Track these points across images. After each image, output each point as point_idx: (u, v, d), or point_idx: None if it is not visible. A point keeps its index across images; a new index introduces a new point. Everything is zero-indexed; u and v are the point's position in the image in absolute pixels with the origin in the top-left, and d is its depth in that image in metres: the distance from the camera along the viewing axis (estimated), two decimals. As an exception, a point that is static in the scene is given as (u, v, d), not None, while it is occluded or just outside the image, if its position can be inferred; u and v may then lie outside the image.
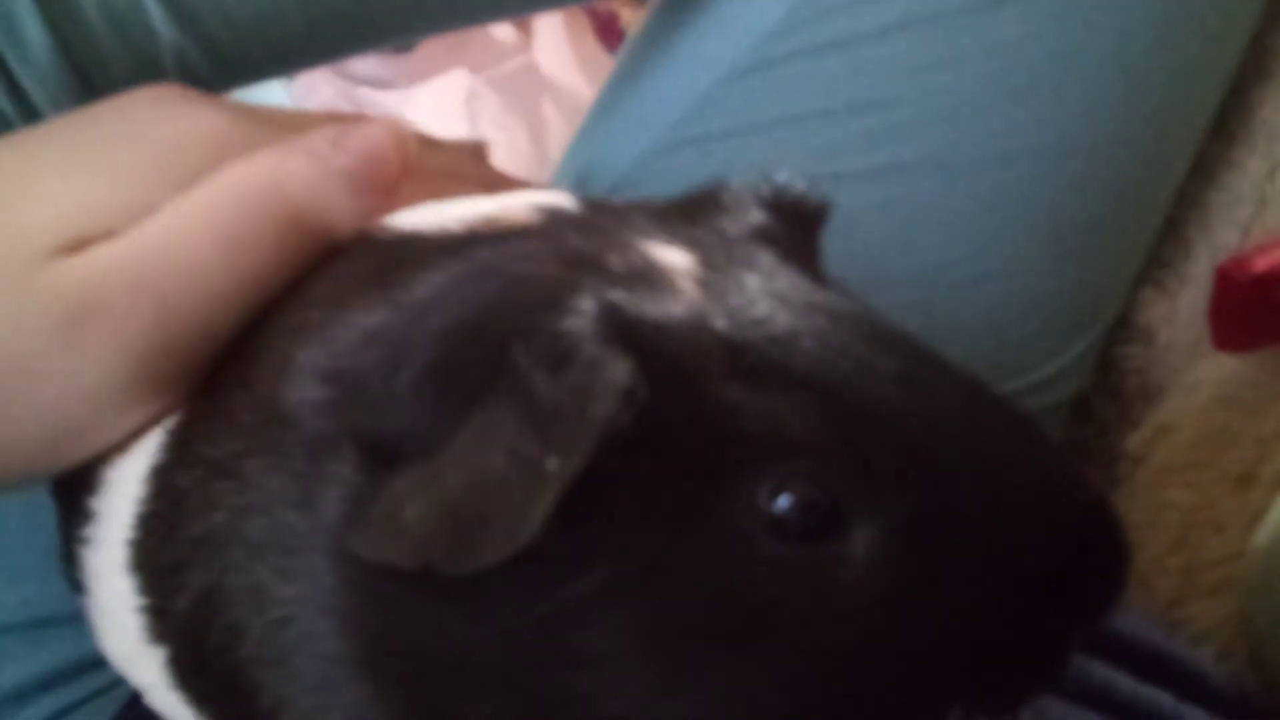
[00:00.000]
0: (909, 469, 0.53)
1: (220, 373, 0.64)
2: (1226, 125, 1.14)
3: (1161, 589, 1.04)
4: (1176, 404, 1.09)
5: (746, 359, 0.53)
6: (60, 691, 0.95)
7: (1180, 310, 1.13)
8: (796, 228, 0.63)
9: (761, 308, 0.55)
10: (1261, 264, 1.01)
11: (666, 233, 0.59)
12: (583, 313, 0.51)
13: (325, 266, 0.64)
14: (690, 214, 0.62)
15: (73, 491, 0.69)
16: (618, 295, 0.53)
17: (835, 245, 0.65)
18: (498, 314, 0.53)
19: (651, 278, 0.55)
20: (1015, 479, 0.55)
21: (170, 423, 0.65)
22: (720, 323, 0.54)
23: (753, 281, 0.56)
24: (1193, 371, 1.10)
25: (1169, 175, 1.11)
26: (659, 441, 0.51)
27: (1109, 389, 1.16)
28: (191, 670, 0.64)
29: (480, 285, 0.55)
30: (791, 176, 0.64)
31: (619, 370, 0.49)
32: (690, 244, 0.58)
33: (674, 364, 0.52)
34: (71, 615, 0.73)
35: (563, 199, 0.64)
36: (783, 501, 0.52)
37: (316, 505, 0.56)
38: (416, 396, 0.53)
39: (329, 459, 0.56)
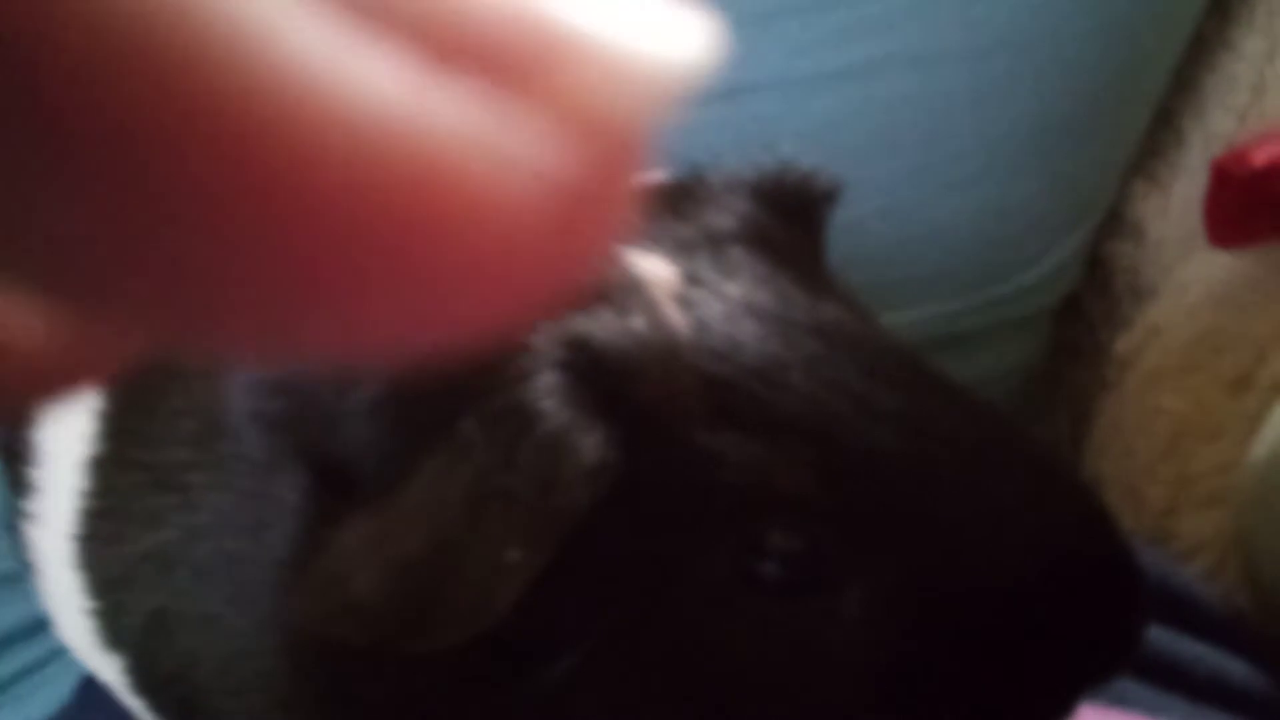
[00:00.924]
0: (906, 523, 0.49)
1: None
2: (1223, 2, 1.07)
3: (1151, 499, 1.01)
4: (1168, 304, 1.05)
5: (729, 400, 0.48)
6: (20, 649, 0.91)
7: (1172, 204, 1.08)
8: (796, 219, 0.56)
9: (748, 333, 0.49)
10: (1261, 158, 0.96)
11: (645, 234, 0.53)
12: (545, 358, 0.46)
13: None
14: (674, 205, 0.56)
15: (13, 458, 0.66)
16: (586, 324, 0.47)
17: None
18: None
19: (627, 295, 0.49)
20: (1024, 531, 0.51)
21: (97, 403, 0.61)
22: (701, 356, 0.49)
23: (739, 297, 0.50)
24: (1185, 269, 1.05)
25: (1161, 62, 1.05)
26: (632, 499, 0.47)
27: (1097, 287, 1.12)
28: (149, 686, 0.61)
29: None
30: (793, 154, 0.58)
31: (587, 447, 0.45)
32: (672, 250, 0.52)
33: (649, 410, 0.47)
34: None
35: None
36: (764, 556, 0.48)
37: (266, 534, 0.53)
38: (371, 420, 0.49)
39: (279, 480, 0.52)
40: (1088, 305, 1.13)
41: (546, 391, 0.45)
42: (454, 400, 0.47)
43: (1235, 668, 0.80)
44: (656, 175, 0.58)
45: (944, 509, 0.50)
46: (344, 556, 0.47)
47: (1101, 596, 0.52)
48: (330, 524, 0.49)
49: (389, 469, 0.48)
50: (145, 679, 0.61)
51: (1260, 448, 0.89)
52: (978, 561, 0.50)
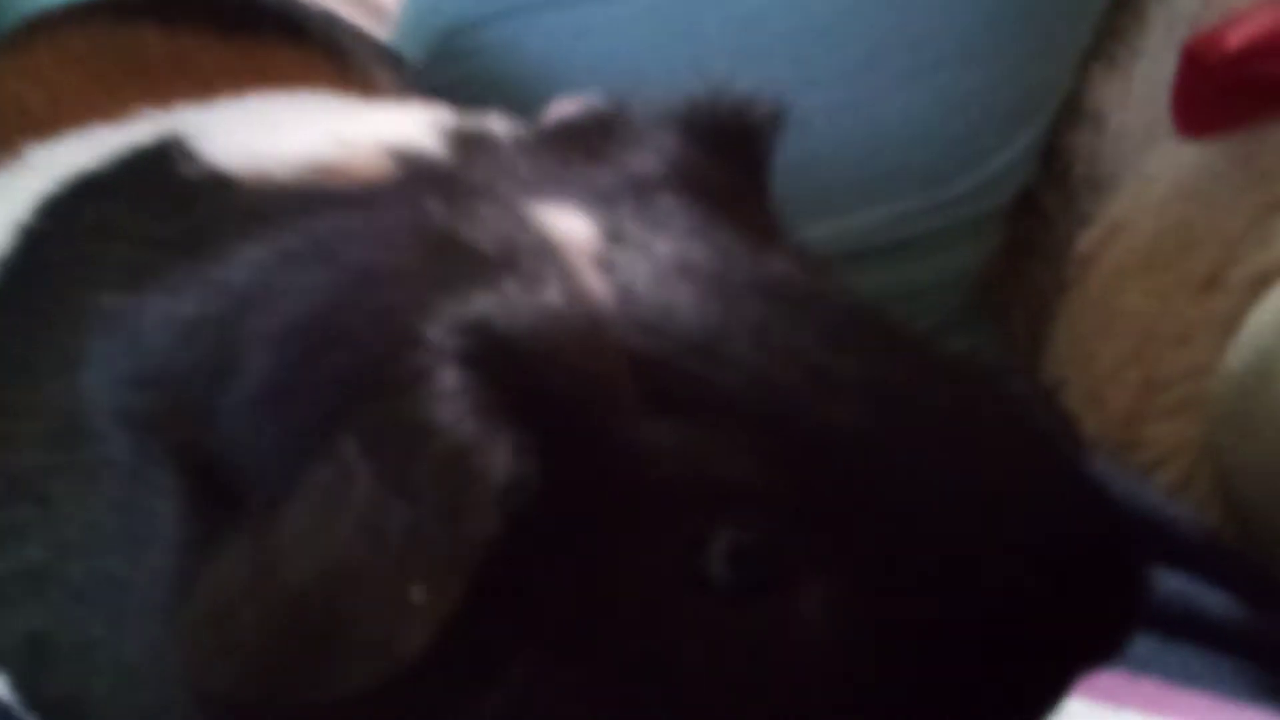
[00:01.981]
0: (873, 510, 0.43)
1: None
2: None
3: (1115, 406, 0.96)
4: (1131, 199, 0.98)
5: (662, 381, 0.41)
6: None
7: (1134, 90, 1.01)
8: (735, 155, 0.49)
9: (682, 298, 0.42)
10: (1236, 39, 0.89)
11: (560, 185, 0.45)
12: (437, 350, 0.38)
13: (102, 205, 0.50)
14: (591, 145, 0.48)
15: None
16: (490, 303, 0.40)
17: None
18: (337, 330, 0.40)
19: (538, 262, 0.42)
20: (1008, 513, 0.44)
21: None
22: (628, 330, 0.41)
23: (670, 256, 0.43)
24: (1148, 161, 0.98)
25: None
26: (557, 507, 0.41)
27: (1054, 180, 1.05)
28: (37, 707, 0.55)
29: (316, 276, 0.42)
30: (729, 80, 0.49)
31: (497, 462, 0.38)
32: (590, 201, 0.45)
33: (569, 402, 0.40)
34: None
35: (423, 133, 0.49)
36: (711, 555, 0.42)
37: (143, 551, 0.46)
38: (251, 417, 0.42)
39: (151, 487, 0.46)
40: (1044, 200, 1.06)
41: (442, 397, 0.38)
42: (342, 395, 0.39)
43: (1213, 600, 0.75)
44: (567, 107, 0.50)
45: (916, 492, 0.44)
46: (223, 588, 0.40)
47: (1094, 583, 0.46)
48: (212, 541, 0.42)
49: (275, 475, 0.41)
50: (32, 700, 0.55)
51: (1235, 356, 0.83)
52: (957, 550, 0.44)
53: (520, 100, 0.57)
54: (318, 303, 0.41)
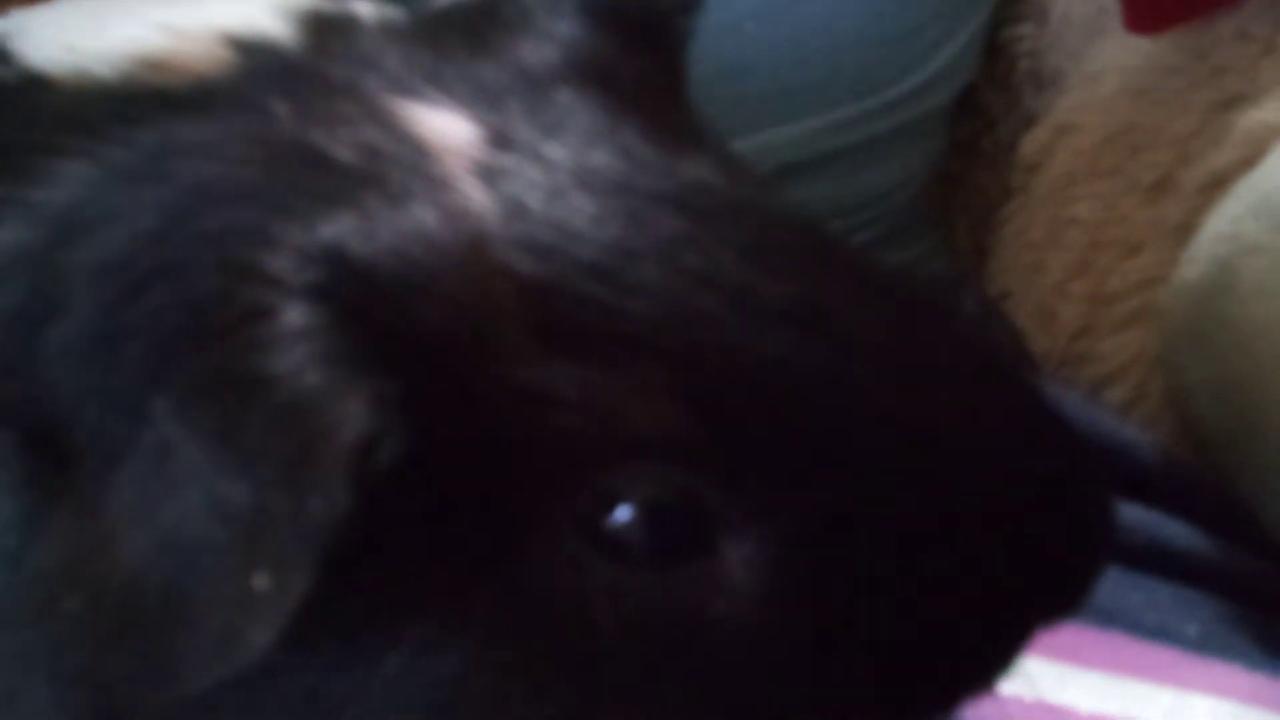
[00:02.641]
0: (807, 454, 0.37)
1: None
2: None
3: (1064, 319, 0.91)
4: (1077, 99, 0.93)
5: (558, 312, 0.35)
6: None
7: (1078, -24, 0.95)
8: (644, 42, 0.42)
9: (581, 213, 0.36)
10: (1185, -75, 0.83)
11: (433, 77, 0.39)
12: (278, 283, 0.31)
13: None
14: (474, 33, 0.41)
15: None
16: (345, 225, 0.33)
17: None
18: (163, 262, 0.34)
19: (407, 174, 0.35)
20: (959, 450, 0.38)
21: None
22: (516, 252, 0.35)
23: (566, 163, 0.37)
24: (1094, 57, 0.93)
25: None
26: (432, 465, 0.35)
27: (996, 78, 0.99)
28: None
29: (143, 196, 0.36)
30: None
31: (347, 418, 0.31)
32: (471, 98, 0.38)
33: (443, 342, 0.34)
34: None
35: (270, 19, 0.41)
36: (620, 514, 0.36)
37: None
38: (74, 367, 0.36)
39: None
40: (986, 99, 1.00)
41: (280, 340, 0.32)
42: (167, 341, 0.33)
43: (1174, 531, 0.71)
44: None
45: (855, 432, 0.38)
46: (49, 570, 0.35)
47: (1054, 530, 0.41)
48: (43, 515, 0.36)
49: (103, 437, 0.35)
50: None
51: (1190, 268, 0.77)
52: (901, 497, 0.38)
53: None
54: (144, 230, 0.35)
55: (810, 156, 0.93)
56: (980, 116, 1.02)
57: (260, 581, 0.32)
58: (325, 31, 0.41)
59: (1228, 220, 0.76)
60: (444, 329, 0.34)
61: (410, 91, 0.38)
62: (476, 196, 0.35)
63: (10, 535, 0.38)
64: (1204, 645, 0.67)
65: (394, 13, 0.42)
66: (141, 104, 0.39)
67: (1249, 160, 0.80)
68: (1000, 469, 0.39)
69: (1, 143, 0.40)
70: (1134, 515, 0.70)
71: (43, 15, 0.45)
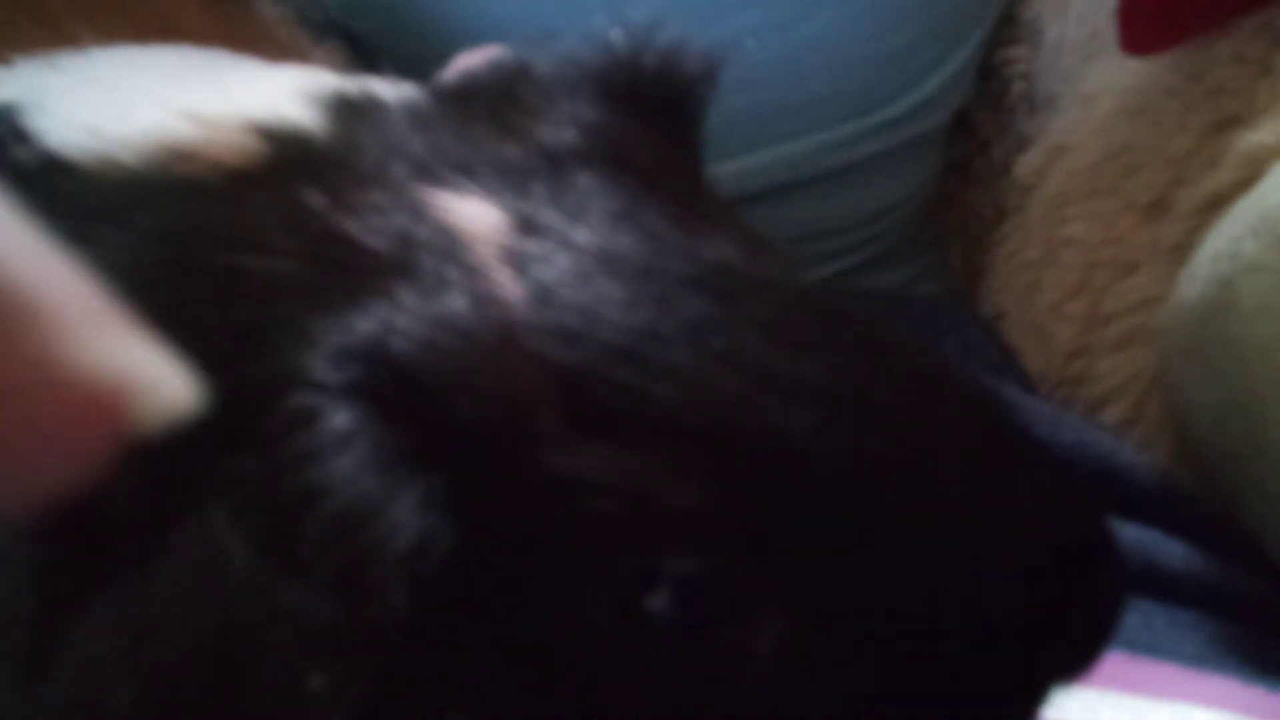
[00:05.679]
0: (833, 532, 0.37)
1: None
2: None
3: (1060, 340, 0.91)
4: (1072, 120, 0.93)
5: (589, 396, 0.35)
6: None
7: (1071, 1, 0.95)
8: (661, 118, 0.42)
9: (608, 296, 0.36)
10: (1180, -52, 0.83)
11: (459, 163, 0.38)
12: (322, 385, 0.31)
13: None
14: (494, 115, 0.41)
15: None
16: (381, 318, 0.33)
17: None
18: (205, 355, 0.33)
19: (439, 262, 0.35)
20: (976, 528, 0.39)
21: None
22: (546, 338, 0.35)
23: (591, 246, 0.37)
24: (1089, 79, 0.93)
25: None
26: (476, 557, 0.35)
27: (991, 100, 0.99)
28: None
29: (170, 287, 0.35)
30: (651, 29, 0.43)
31: (402, 523, 0.32)
32: (495, 182, 0.38)
33: (482, 434, 0.34)
34: None
35: (296, 103, 0.41)
36: (654, 589, 0.36)
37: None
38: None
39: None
40: (980, 121, 1.01)
41: (329, 447, 0.31)
42: (207, 441, 0.33)
43: (1172, 552, 0.71)
44: (471, 62, 0.43)
45: (879, 510, 0.38)
46: (94, 662, 0.34)
47: (1069, 601, 0.41)
48: (79, 600, 0.35)
49: (146, 519, 0.34)
50: None
51: (1190, 287, 0.78)
52: (926, 571, 0.39)
53: (433, 54, 0.50)
54: (174, 320, 0.34)
55: (806, 175, 0.93)
56: (974, 138, 1.02)
57: (316, 682, 0.32)
58: (350, 116, 0.40)
59: (1227, 239, 0.76)
60: (482, 420, 0.34)
61: (438, 179, 0.38)
62: (506, 284, 0.35)
63: (40, 619, 0.38)
64: (1201, 662, 0.67)
65: (413, 92, 0.42)
66: (171, 195, 0.38)
67: (1246, 181, 0.80)
68: (1014, 534, 0.40)
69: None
70: (1131, 535, 0.71)
71: (59, 88, 0.45)
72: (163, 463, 0.34)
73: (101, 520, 0.36)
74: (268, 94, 0.40)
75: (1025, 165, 0.95)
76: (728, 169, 0.89)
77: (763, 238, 0.40)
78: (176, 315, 0.35)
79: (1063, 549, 0.41)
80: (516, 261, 0.36)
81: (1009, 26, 0.98)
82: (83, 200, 0.39)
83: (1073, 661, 0.43)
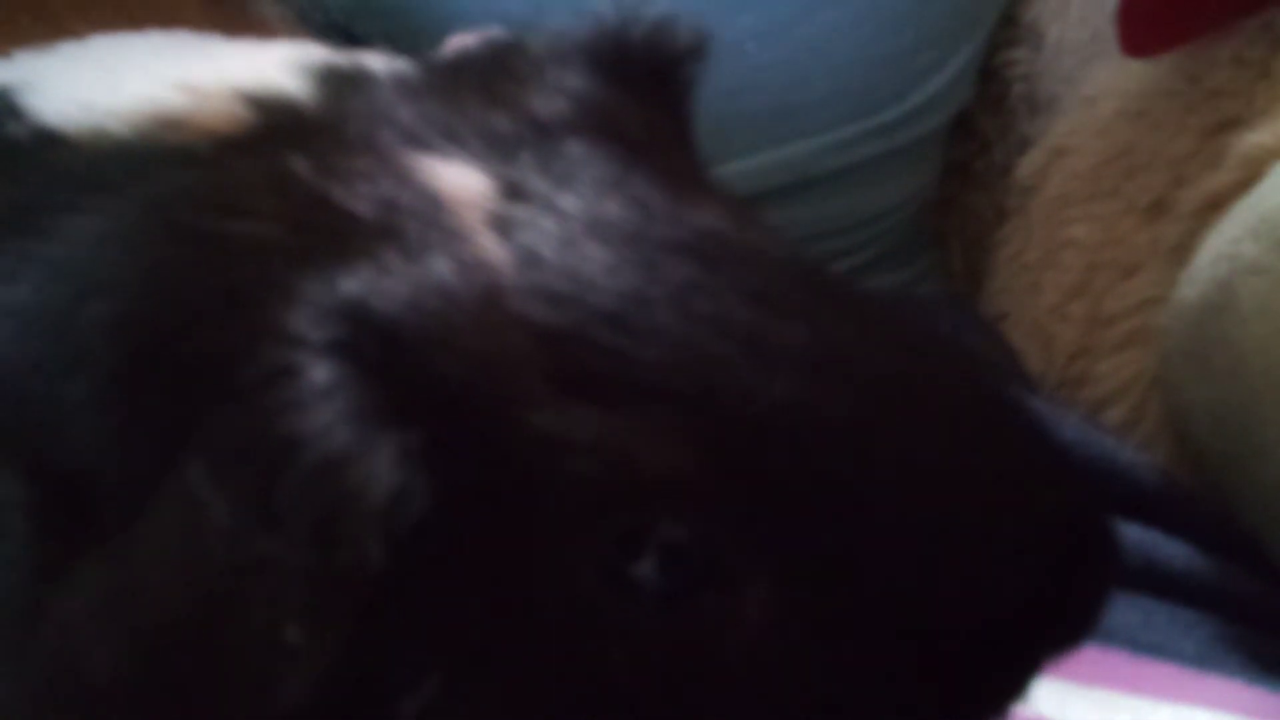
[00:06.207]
0: (820, 496, 0.37)
1: None
2: None
3: (1061, 341, 0.91)
4: (1073, 122, 0.93)
5: (574, 359, 0.35)
6: None
7: (1072, 1, 0.95)
8: (650, 91, 0.42)
9: (594, 262, 0.36)
10: (1181, -51, 0.84)
11: (447, 131, 0.39)
12: (302, 341, 0.32)
13: None
14: (485, 85, 0.41)
15: None
16: (364, 279, 0.34)
17: None
18: (182, 317, 0.34)
19: (423, 226, 0.36)
20: (966, 494, 0.39)
21: None
22: (531, 302, 0.35)
23: (579, 213, 0.37)
24: (1089, 81, 0.93)
25: None
26: (456, 514, 0.35)
27: (991, 102, 0.99)
28: None
29: (162, 251, 0.36)
30: (640, 4, 0.43)
31: (378, 476, 0.32)
32: (484, 151, 0.39)
33: (463, 393, 0.34)
34: None
35: (286, 74, 0.41)
36: (639, 556, 0.36)
37: None
38: (96, 419, 0.36)
39: None
40: (981, 123, 1.01)
41: (307, 400, 0.32)
42: (190, 398, 0.33)
43: (1172, 551, 0.71)
44: (464, 42, 0.44)
45: (868, 474, 0.38)
46: (73, 623, 0.35)
47: (1061, 568, 0.41)
48: (65, 565, 0.36)
49: (128, 487, 0.35)
50: None
51: (1189, 289, 0.78)
52: (915, 539, 0.39)
53: (426, 37, 0.51)
54: (160, 284, 0.35)
55: (807, 177, 0.93)
56: (975, 139, 1.02)
57: (293, 634, 0.32)
58: (339, 86, 0.41)
59: (1227, 241, 0.76)
60: (463, 380, 0.34)
61: (425, 145, 0.38)
62: (492, 248, 0.36)
63: (19, 582, 0.38)
64: (1202, 662, 0.67)
65: (405, 64, 0.43)
66: (159, 162, 0.39)
67: (1246, 182, 0.80)
68: (1005, 507, 0.40)
69: (16, 200, 0.40)
70: (1132, 535, 0.71)
71: (53, 68, 0.46)
72: (147, 427, 0.34)
73: (87, 489, 0.36)
74: (258, 65, 0.41)
75: (1026, 167, 0.95)
76: (728, 171, 0.89)
77: (749, 206, 0.41)
78: (163, 279, 0.35)
79: (1054, 519, 0.41)
80: (503, 226, 0.36)
81: (1010, 28, 0.98)
82: (74, 171, 0.40)
83: (1066, 633, 0.43)
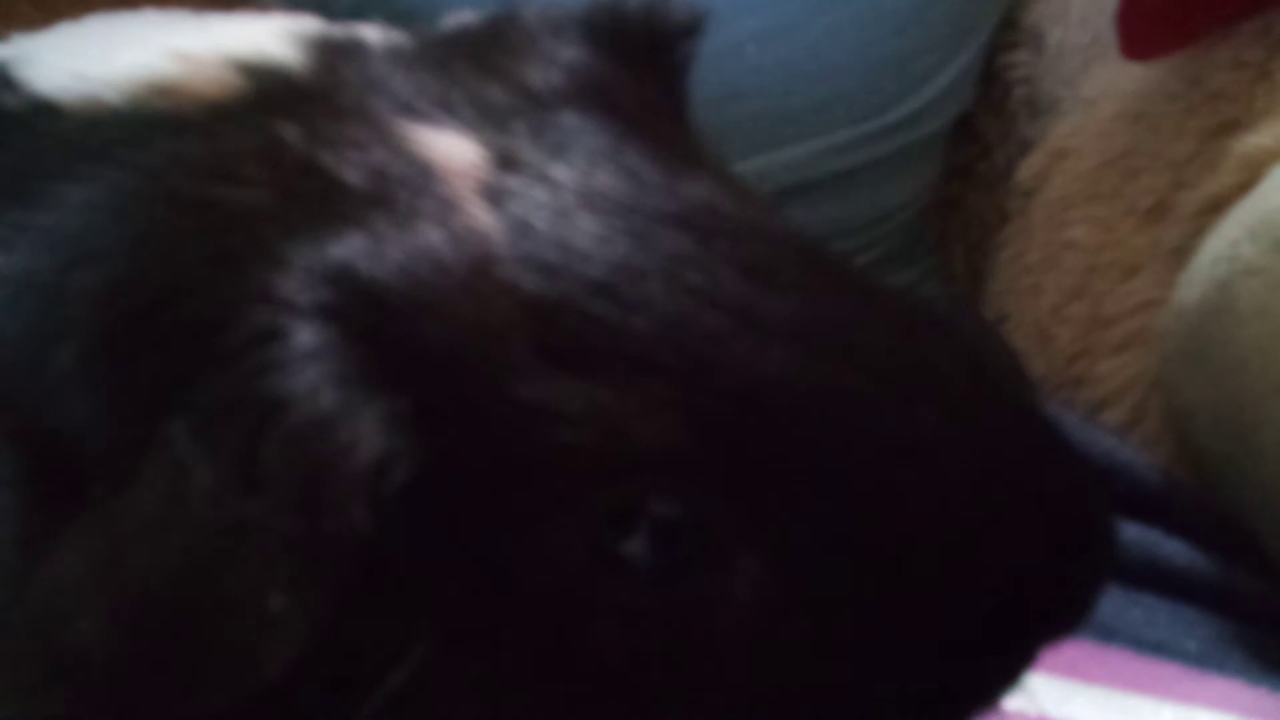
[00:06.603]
0: (811, 472, 0.37)
1: None
2: None
3: (1061, 342, 0.91)
4: (1073, 124, 0.93)
5: (563, 330, 0.35)
6: None
7: (1073, 6, 0.95)
8: (646, 65, 0.42)
9: (585, 233, 0.36)
10: (1181, -48, 0.84)
11: (439, 100, 0.39)
12: (288, 304, 0.32)
13: None
14: (479, 56, 0.41)
15: None
16: (354, 245, 0.34)
17: None
18: (170, 283, 0.34)
19: (414, 194, 0.36)
20: (959, 472, 0.39)
21: None
22: (522, 271, 0.35)
23: (571, 183, 0.37)
24: (1090, 83, 0.93)
25: None
26: (443, 483, 0.35)
27: (992, 103, 1.00)
28: None
29: (151, 217, 0.36)
30: None
31: (362, 439, 0.32)
32: (477, 120, 0.39)
33: (451, 360, 0.34)
34: None
35: (279, 42, 0.42)
36: (629, 531, 0.36)
37: None
38: (84, 388, 0.36)
39: None
40: (982, 126, 1.01)
41: (293, 362, 0.32)
42: (177, 362, 0.33)
43: (1173, 548, 0.71)
44: (456, 17, 0.44)
45: (859, 450, 0.38)
46: (56, 590, 0.34)
47: (1058, 548, 0.41)
48: (51, 536, 0.36)
49: (115, 456, 0.35)
50: None
51: (1189, 291, 0.78)
52: (906, 515, 0.38)
53: (422, 13, 0.51)
54: (151, 251, 0.35)
55: (808, 180, 0.93)
56: (976, 142, 1.02)
57: (277, 601, 0.32)
58: (332, 55, 0.41)
59: (1226, 243, 0.76)
60: (451, 347, 0.35)
61: (417, 114, 0.39)
62: (482, 217, 0.36)
63: (13, 556, 0.38)
64: (1204, 661, 0.67)
65: (400, 35, 0.43)
66: (150, 128, 0.39)
67: (1245, 184, 0.80)
68: (1000, 486, 0.40)
69: (10, 169, 0.41)
70: (1133, 533, 0.71)
71: (50, 43, 0.46)
72: (134, 394, 0.35)
73: (76, 458, 0.36)
74: (252, 34, 0.41)
75: (1027, 169, 0.95)
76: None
77: (744, 181, 0.41)
78: (153, 245, 0.35)
79: (1049, 498, 0.41)
80: (494, 196, 0.36)
81: (1010, 31, 0.99)
82: (67, 139, 0.40)
83: (1062, 618, 0.43)
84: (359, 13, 0.85)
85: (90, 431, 0.36)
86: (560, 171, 0.37)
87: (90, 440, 0.36)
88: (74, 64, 0.42)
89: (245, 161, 0.37)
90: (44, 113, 0.41)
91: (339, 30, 0.42)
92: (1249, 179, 0.80)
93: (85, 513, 0.35)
